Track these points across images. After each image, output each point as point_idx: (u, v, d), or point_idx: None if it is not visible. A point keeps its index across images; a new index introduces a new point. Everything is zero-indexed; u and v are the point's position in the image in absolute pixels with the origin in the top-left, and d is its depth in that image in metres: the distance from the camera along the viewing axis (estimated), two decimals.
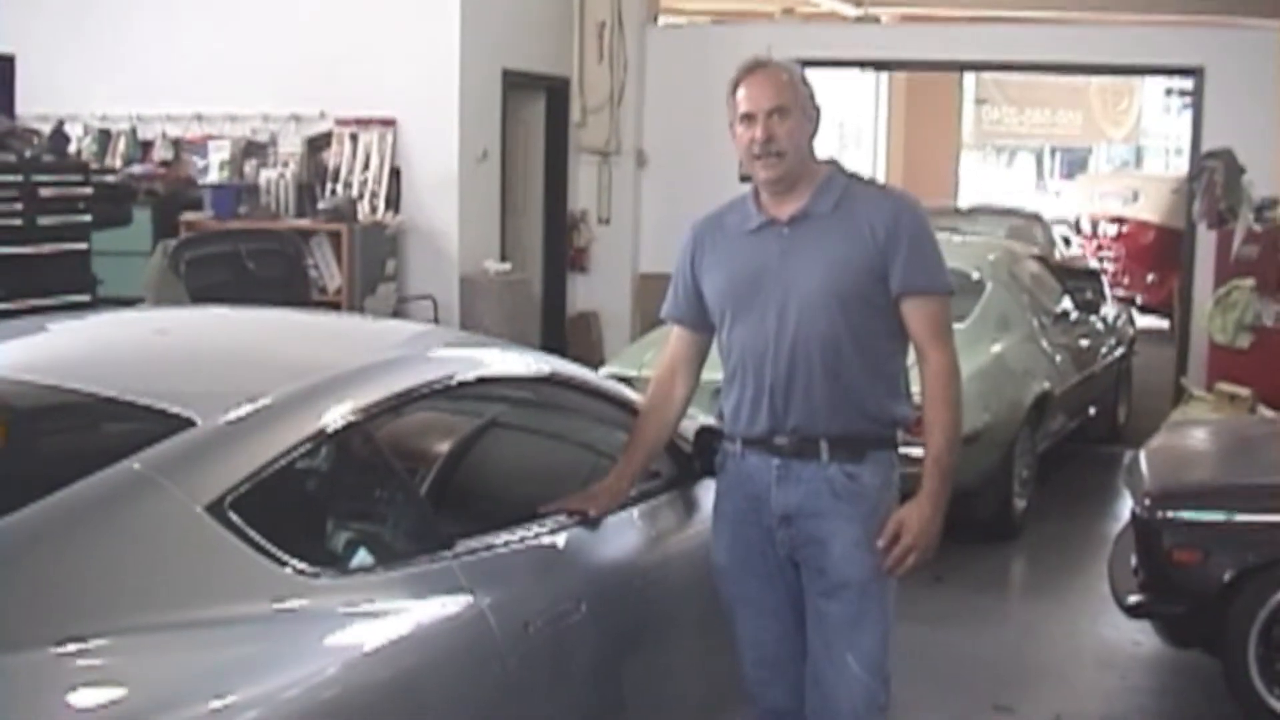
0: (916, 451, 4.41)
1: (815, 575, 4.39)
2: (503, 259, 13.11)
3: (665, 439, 4.78)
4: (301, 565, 3.57)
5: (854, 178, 4.52)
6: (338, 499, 4.21)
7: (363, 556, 3.92)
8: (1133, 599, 6.57)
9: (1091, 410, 11.69)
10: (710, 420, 4.91)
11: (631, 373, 8.06)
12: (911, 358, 4.46)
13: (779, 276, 4.36)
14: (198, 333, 4.98)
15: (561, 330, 14.33)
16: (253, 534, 3.51)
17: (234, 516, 3.50)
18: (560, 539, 4.37)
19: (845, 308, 4.32)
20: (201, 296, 9.23)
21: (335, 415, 3.89)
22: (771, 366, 4.36)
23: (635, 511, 4.76)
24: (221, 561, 3.47)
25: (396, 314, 11.96)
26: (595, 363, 9.07)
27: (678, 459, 5.01)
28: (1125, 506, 7.92)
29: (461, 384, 4.49)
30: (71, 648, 3.12)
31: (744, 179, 4.63)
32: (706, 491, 4.77)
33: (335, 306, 11.56)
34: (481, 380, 4.65)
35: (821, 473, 4.35)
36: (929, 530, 4.32)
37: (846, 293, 4.32)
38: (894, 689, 4.48)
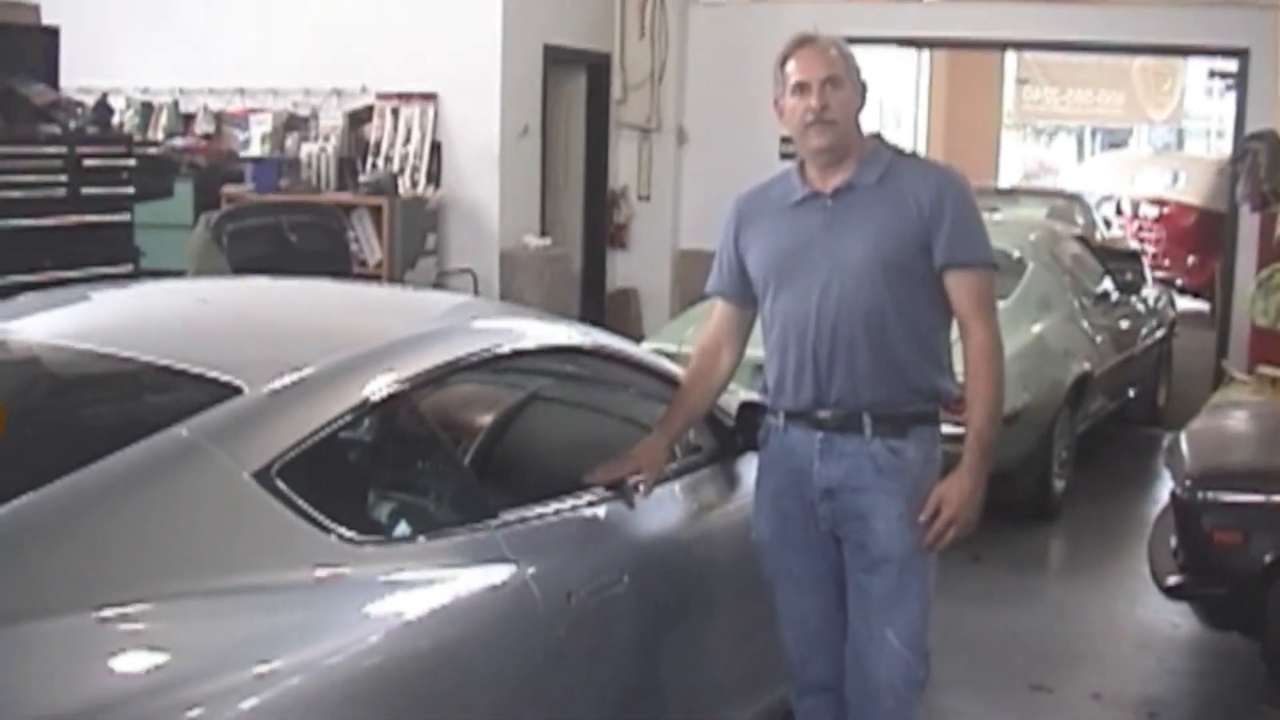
0: (956, 430, 4.41)
1: (857, 550, 4.39)
2: (543, 234, 13.12)
3: (706, 408, 4.79)
4: (346, 533, 3.58)
5: (898, 151, 4.53)
6: (382, 468, 4.23)
7: (406, 525, 3.94)
8: (1172, 580, 6.55)
9: (1131, 392, 11.65)
10: (752, 396, 4.91)
11: (672, 348, 8.04)
12: (955, 334, 4.46)
13: (823, 248, 4.36)
14: (241, 302, 5.01)
15: (601, 306, 14.31)
16: (299, 501, 3.52)
17: (280, 484, 3.52)
18: (603, 511, 4.38)
19: (889, 280, 4.31)
20: (243, 269, 9.24)
21: (379, 385, 3.90)
22: (814, 339, 4.36)
23: (677, 485, 4.77)
24: (267, 528, 3.49)
25: (437, 288, 11.96)
26: (635, 339, 9.06)
27: (720, 433, 5.02)
28: (1164, 489, 7.90)
29: (504, 355, 4.51)
30: (114, 613, 3.13)
31: (785, 156, 4.63)
32: (749, 466, 4.78)
33: (376, 280, 11.57)
34: (524, 352, 4.65)
35: (864, 447, 4.35)
36: (969, 504, 4.32)
37: (890, 264, 4.31)
38: (931, 666, 4.50)
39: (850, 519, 4.39)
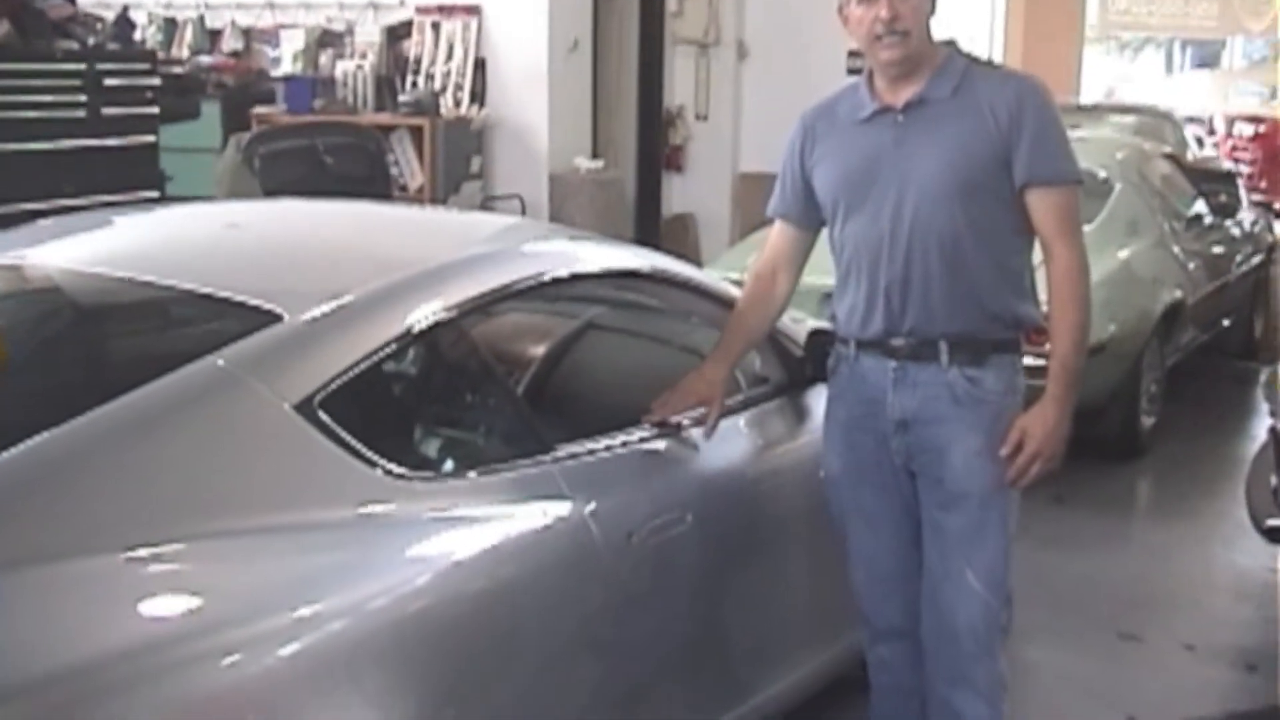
0: (1038, 362, 4.38)
1: (933, 485, 4.38)
2: (594, 157, 13.10)
3: (764, 333, 4.79)
4: (393, 468, 3.58)
5: (974, 60, 4.46)
6: (430, 400, 4.24)
7: (456, 460, 3.95)
8: (1272, 522, 6.48)
9: (1225, 322, 11.57)
10: (822, 324, 4.89)
11: (733, 276, 7.99)
12: (1037, 257, 4.41)
13: (894, 167, 4.31)
14: (275, 226, 5.01)
15: (656, 232, 14.22)
16: (343, 434, 3.52)
17: (324, 416, 3.52)
18: (665, 445, 4.38)
19: (966, 199, 4.26)
20: (276, 194, 9.27)
21: (426, 312, 3.90)
22: (887, 264, 4.33)
23: (743, 418, 4.77)
24: (310, 463, 3.49)
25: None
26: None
27: (787, 364, 5.02)
28: (1262, 425, 7.88)
29: (559, 280, 4.49)
30: (146, 553, 3.13)
31: (852, 71, 4.57)
32: (818, 399, 4.76)
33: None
34: (580, 276, 4.65)
35: (941, 376, 4.32)
36: (1054, 437, 4.28)
37: (967, 183, 4.26)
38: (1013, 612, 4.48)
39: (926, 452, 4.37)
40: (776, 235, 4.71)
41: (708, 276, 5.20)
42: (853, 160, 4.40)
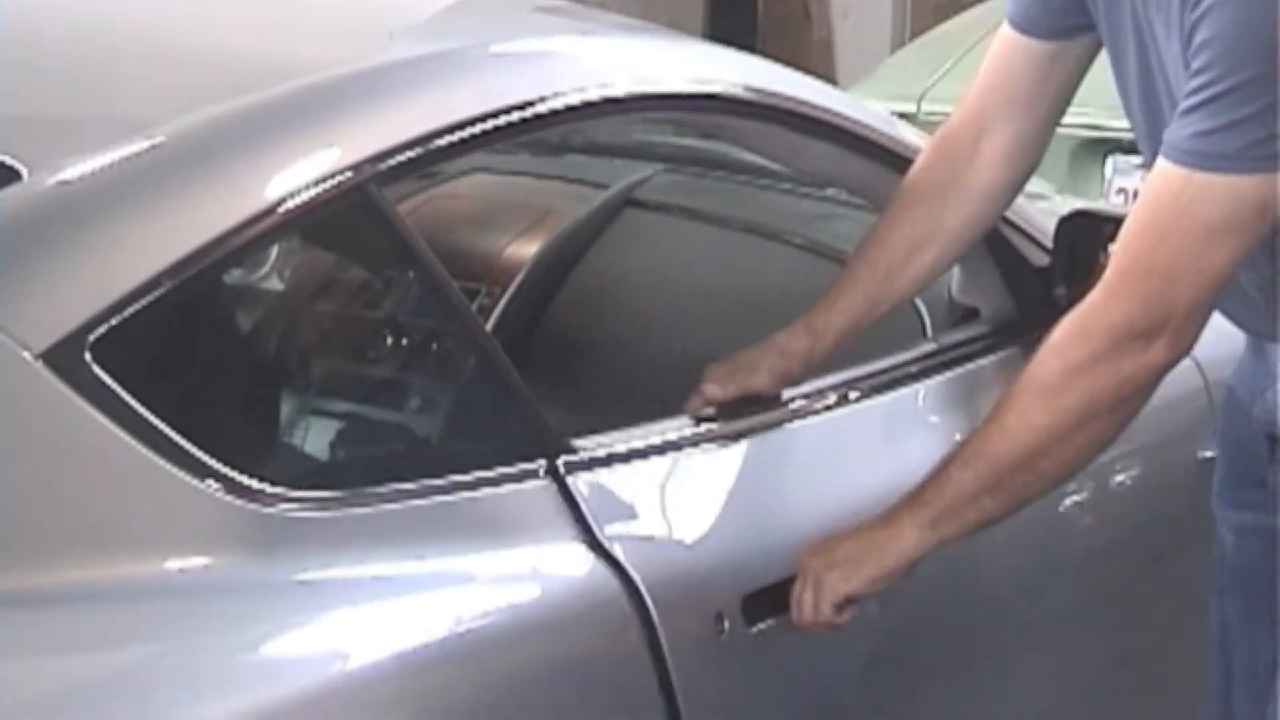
0: None
1: None
2: None
3: (916, 284, 4.26)
4: (240, 478, 3.10)
5: None
6: (315, 346, 3.90)
7: (364, 467, 3.65)
8: None
9: None
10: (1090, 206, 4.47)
11: (903, 109, 7.64)
12: None
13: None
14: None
15: (750, 20, 14.19)
16: (140, 409, 3.05)
17: (100, 373, 3.04)
18: (784, 438, 4.00)
19: None
20: None
21: (309, 171, 3.44)
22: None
23: (925, 388, 4.36)
24: (72, 463, 3.05)
25: None
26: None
27: (1019, 280, 4.55)
28: None
29: (561, 113, 3.99)
30: None
31: None
32: None
33: None
34: (604, 105, 4.14)
35: None
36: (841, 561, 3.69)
37: None
38: None
39: None
40: (1001, 52, 4.11)
41: (854, 106, 4.68)
42: None
